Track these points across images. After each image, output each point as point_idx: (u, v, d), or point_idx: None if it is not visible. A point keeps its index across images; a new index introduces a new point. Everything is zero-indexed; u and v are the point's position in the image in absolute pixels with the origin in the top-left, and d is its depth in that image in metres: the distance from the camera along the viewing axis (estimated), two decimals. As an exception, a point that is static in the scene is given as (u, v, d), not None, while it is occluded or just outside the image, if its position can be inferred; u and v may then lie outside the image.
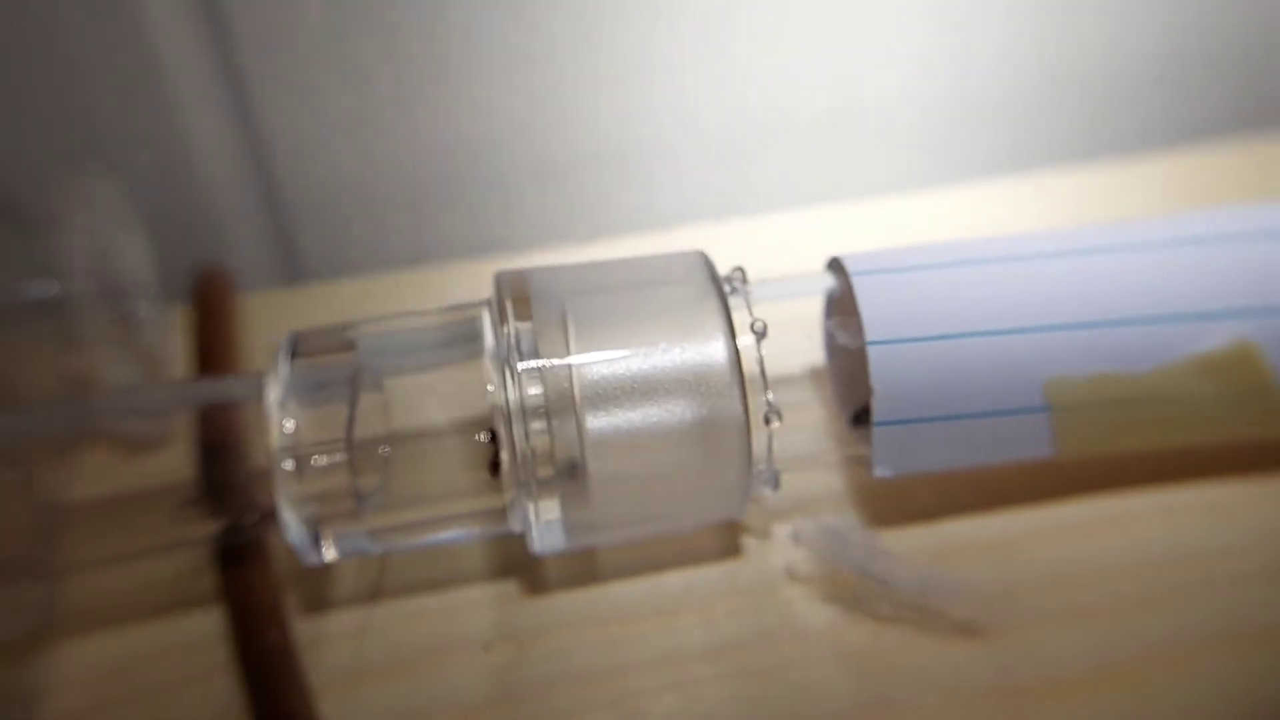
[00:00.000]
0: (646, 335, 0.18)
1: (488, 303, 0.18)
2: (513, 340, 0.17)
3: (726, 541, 0.19)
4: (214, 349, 0.23)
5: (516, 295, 0.18)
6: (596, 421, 0.17)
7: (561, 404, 0.17)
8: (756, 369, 0.18)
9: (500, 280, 0.18)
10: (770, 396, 0.18)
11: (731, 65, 0.29)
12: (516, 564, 0.19)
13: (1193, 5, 0.31)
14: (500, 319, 0.18)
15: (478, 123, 0.29)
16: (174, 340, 0.23)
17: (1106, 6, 0.30)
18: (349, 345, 0.18)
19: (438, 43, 0.27)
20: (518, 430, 0.17)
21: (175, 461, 0.18)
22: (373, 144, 0.28)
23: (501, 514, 0.17)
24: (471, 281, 0.26)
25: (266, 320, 0.25)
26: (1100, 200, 0.27)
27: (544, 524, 0.17)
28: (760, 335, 0.18)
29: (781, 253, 0.26)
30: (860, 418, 0.19)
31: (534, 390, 0.17)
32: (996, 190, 0.28)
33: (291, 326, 0.26)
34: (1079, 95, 0.32)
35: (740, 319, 0.18)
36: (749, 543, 0.19)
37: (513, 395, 0.17)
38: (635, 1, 0.27)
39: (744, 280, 0.19)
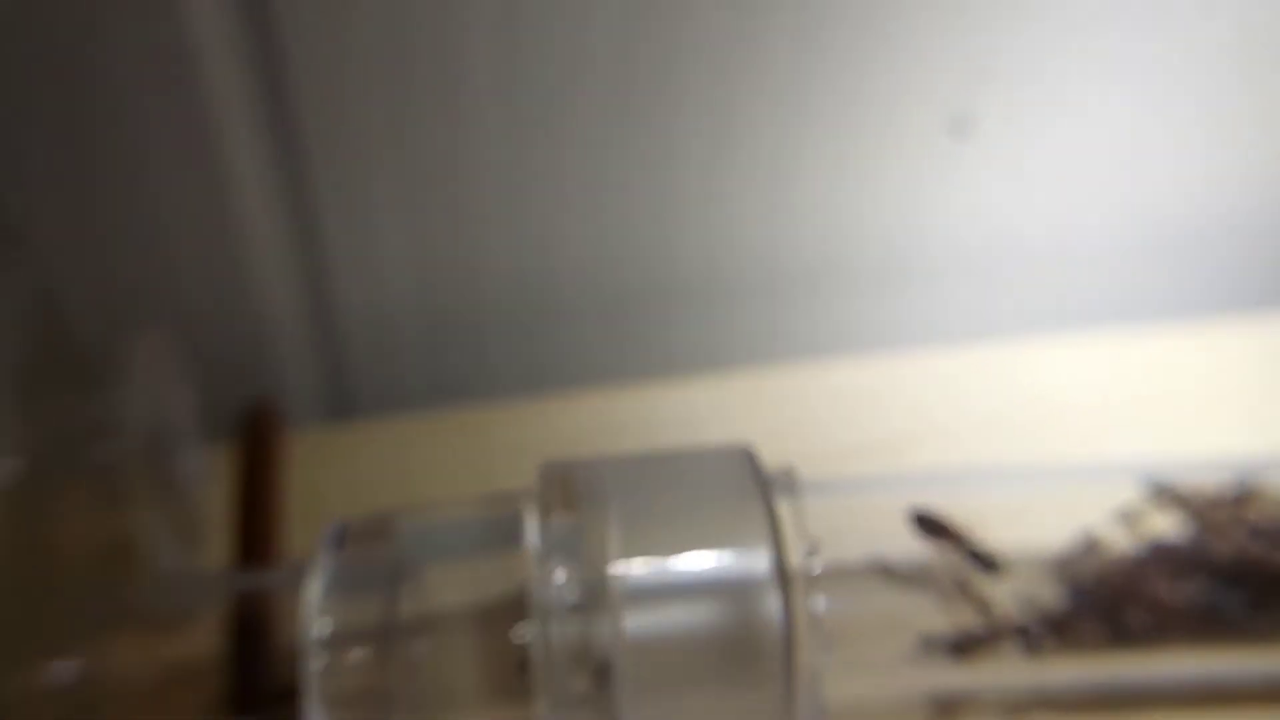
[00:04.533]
0: (690, 543, 0.17)
1: (531, 495, 0.18)
2: (555, 538, 0.17)
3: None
4: (256, 494, 0.23)
5: (561, 490, 0.18)
6: (634, 628, 0.17)
7: (600, 606, 0.17)
8: (807, 589, 0.17)
9: (545, 473, 0.18)
10: (822, 605, 0.17)
11: (798, 205, 0.29)
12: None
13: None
14: (544, 514, 0.17)
15: (543, 255, 0.29)
16: (217, 486, 0.23)
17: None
18: (391, 535, 0.18)
19: (506, 176, 0.27)
20: (554, 629, 0.16)
21: (202, 643, 0.18)
22: (434, 274, 0.29)
23: (532, 726, 0.17)
24: (528, 424, 0.26)
25: (316, 461, 0.25)
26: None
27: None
28: (811, 553, 0.17)
29: (836, 401, 0.27)
30: (964, 646, 0.18)
31: (573, 591, 0.17)
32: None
33: (341, 467, 0.26)
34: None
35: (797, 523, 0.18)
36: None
37: (552, 594, 0.17)
38: (703, 139, 0.27)
39: (792, 484, 0.18)
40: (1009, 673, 0.18)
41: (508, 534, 0.18)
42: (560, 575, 0.17)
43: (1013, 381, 0.26)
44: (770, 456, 0.24)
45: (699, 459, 0.18)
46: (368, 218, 0.27)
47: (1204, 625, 0.17)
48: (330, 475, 0.24)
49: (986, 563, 0.18)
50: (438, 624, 0.17)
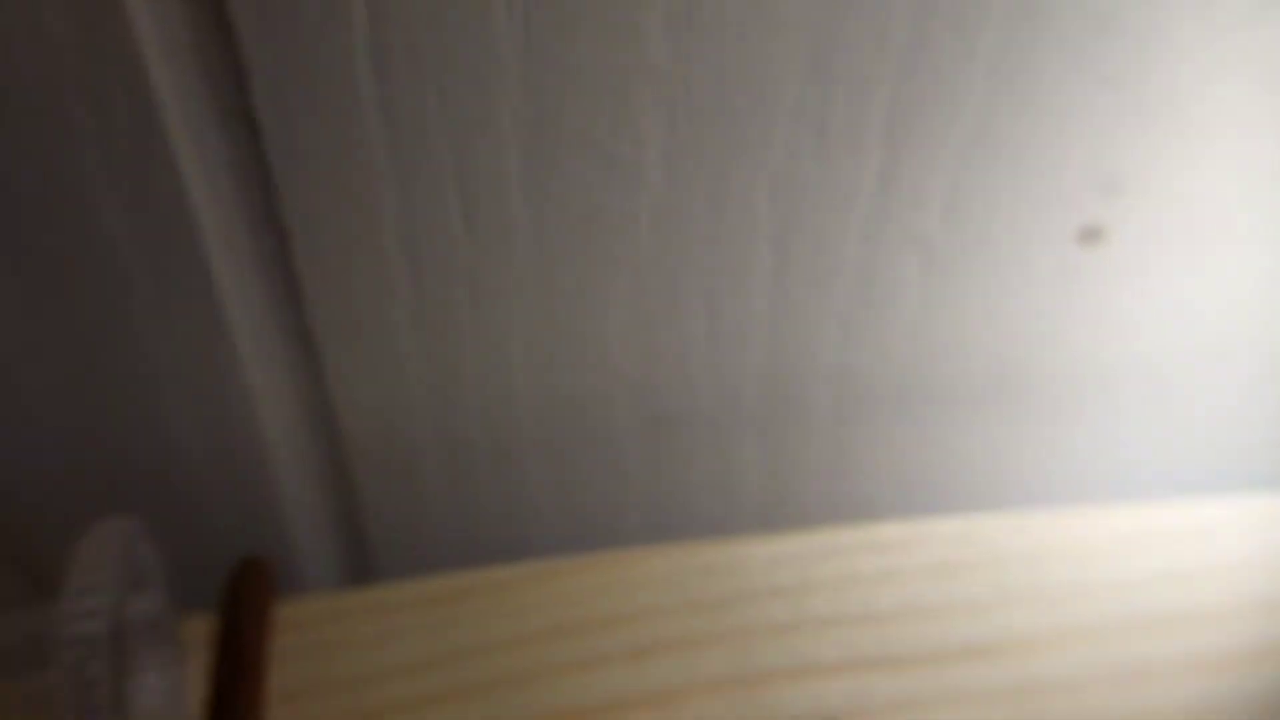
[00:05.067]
0: None
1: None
2: None
3: None
4: (232, 681, 0.18)
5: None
6: None
7: None
8: None
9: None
10: None
11: (877, 324, 0.25)
12: None
13: None
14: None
15: (584, 378, 0.25)
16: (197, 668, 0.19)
17: None
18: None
19: (536, 291, 0.23)
20: None
21: None
22: (454, 404, 0.25)
23: None
24: (562, 588, 0.22)
25: (327, 632, 0.21)
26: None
27: None
28: None
29: (920, 572, 0.22)
30: None
31: None
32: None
33: (355, 638, 0.21)
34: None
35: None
36: None
37: None
38: (763, 256, 0.23)
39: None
40: None
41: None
42: None
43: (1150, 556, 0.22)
44: (852, 656, 0.20)
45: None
46: (374, 345, 0.23)
47: None
48: (341, 650, 0.20)
49: None
50: None
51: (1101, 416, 0.27)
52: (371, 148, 0.20)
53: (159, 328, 0.21)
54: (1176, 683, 0.19)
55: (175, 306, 0.21)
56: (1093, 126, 0.22)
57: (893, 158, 0.22)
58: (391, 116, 0.19)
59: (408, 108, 0.19)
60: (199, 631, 0.20)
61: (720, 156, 0.22)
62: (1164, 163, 0.23)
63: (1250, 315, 0.26)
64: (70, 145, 0.19)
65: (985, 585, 0.21)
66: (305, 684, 0.19)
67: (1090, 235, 0.24)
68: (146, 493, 0.22)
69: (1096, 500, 0.25)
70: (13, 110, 0.18)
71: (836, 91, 0.21)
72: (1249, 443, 0.28)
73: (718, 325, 0.25)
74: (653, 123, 0.21)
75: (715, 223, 0.23)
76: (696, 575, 0.22)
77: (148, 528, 0.17)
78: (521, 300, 0.23)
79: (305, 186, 0.20)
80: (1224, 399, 0.27)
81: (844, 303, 0.25)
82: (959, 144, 0.22)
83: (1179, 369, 0.27)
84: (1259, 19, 0.20)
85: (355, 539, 0.26)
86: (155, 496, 0.22)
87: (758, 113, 0.21)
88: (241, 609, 0.19)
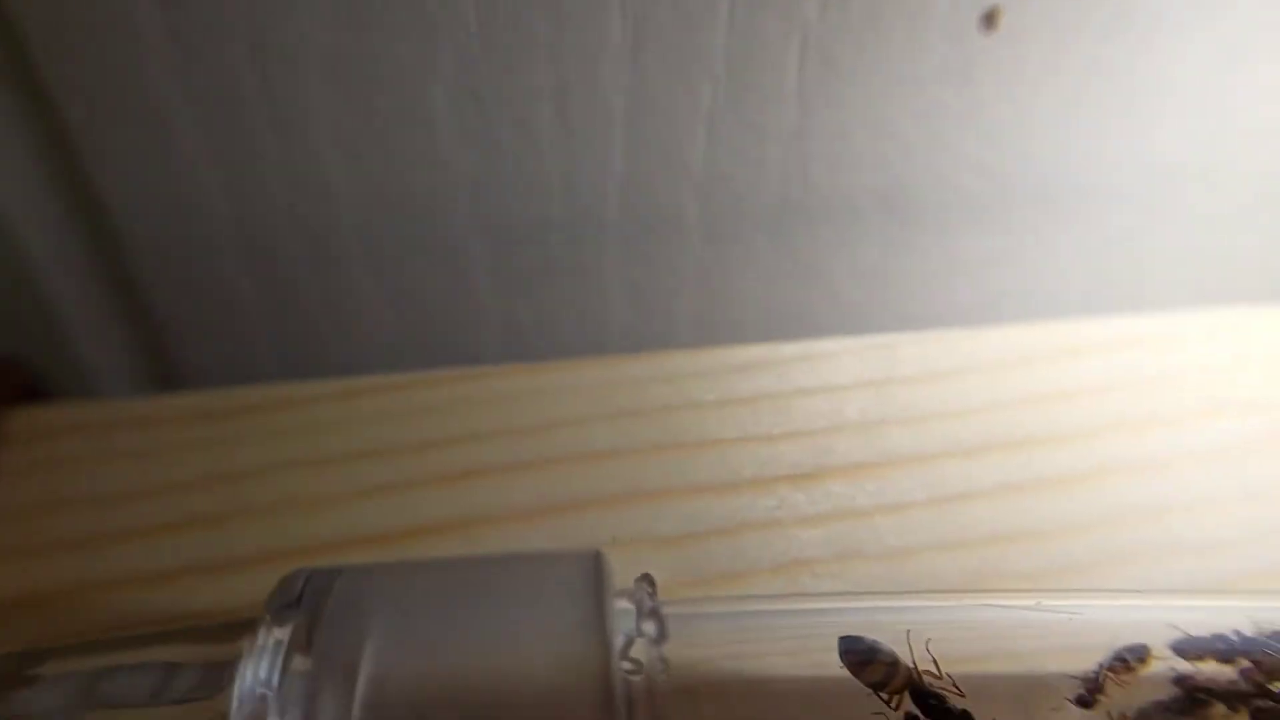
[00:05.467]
0: (483, 701, 0.11)
1: (258, 622, 0.12)
2: (272, 692, 0.11)
3: None
4: None
5: (302, 614, 0.12)
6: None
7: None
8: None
9: (282, 588, 0.12)
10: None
11: (749, 126, 0.22)
12: None
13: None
14: (250, 649, 0.11)
15: (412, 174, 0.22)
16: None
17: None
18: (29, 684, 0.11)
19: (348, 69, 0.20)
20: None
21: None
22: (257, 203, 0.21)
23: None
24: (367, 407, 0.20)
25: (64, 445, 0.18)
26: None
27: None
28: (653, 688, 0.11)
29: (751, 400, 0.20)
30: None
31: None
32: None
33: (97, 452, 0.19)
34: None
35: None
36: None
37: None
38: (615, 32, 0.20)
39: (656, 617, 0.12)
40: None
41: (210, 685, 0.12)
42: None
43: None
44: (676, 482, 0.18)
45: (514, 574, 0.12)
46: (139, 117, 0.19)
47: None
48: (78, 465, 0.18)
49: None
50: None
51: (993, 232, 0.25)
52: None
53: None
54: (995, 505, 0.18)
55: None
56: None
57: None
58: None
59: None
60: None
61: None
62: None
63: (1154, 121, 0.23)
64: None
65: (820, 411, 0.19)
66: (18, 502, 0.17)
67: (987, 21, 0.20)
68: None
69: (985, 324, 0.23)
70: None
71: None
72: (1147, 262, 0.26)
73: (568, 117, 0.21)
74: None
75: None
76: (518, 400, 0.20)
77: None
78: (317, 72, 0.19)
79: None
80: (1125, 214, 0.24)
81: (711, 100, 0.22)
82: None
83: (1079, 182, 0.24)
84: None
85: (156, 356, 0.24)
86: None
87: None
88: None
